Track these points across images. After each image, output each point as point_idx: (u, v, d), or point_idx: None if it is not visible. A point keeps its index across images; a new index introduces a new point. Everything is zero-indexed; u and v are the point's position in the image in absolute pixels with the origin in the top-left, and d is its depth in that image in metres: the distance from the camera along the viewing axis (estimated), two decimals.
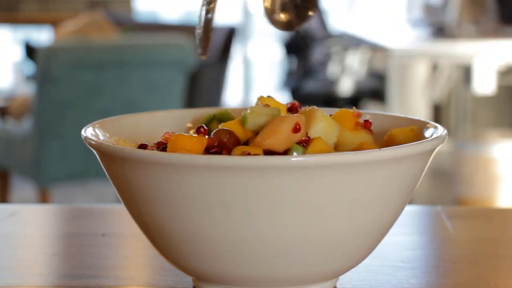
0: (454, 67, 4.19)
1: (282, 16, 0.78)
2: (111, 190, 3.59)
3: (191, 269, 0.69)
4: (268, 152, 0.68)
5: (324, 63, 4.93)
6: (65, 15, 5.39)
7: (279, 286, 0.68)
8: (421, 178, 0.69)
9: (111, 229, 0.95)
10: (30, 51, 3.87)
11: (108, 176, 0.70)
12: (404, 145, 0.66)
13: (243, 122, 0.70)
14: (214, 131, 0.70)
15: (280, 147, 0.68)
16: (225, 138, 0.69)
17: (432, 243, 0.92)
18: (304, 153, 0.67)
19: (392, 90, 3.62)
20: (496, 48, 3.51)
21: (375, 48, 4.46)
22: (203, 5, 0.77)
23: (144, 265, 0.85)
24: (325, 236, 0.65)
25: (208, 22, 0.77)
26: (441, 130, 0.72)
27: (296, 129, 0.68)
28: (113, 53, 3.10)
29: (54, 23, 5.03)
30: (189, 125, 0.82)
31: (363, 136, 0.73)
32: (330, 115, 0.73)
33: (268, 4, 0.78)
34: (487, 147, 3.57)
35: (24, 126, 3.28)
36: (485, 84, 3.59)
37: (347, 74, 4.79)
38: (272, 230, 0.64)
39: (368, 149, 0.70)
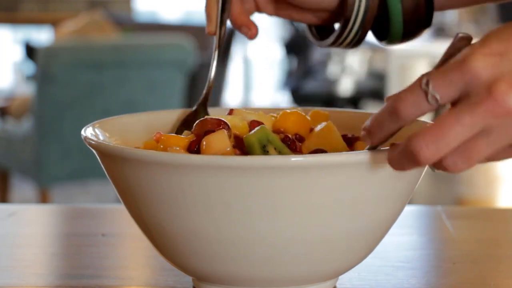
0: None
1: None
2: (111, 190, 3.58)
3: (191, 269, 0.69)
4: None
5: (324, 63, 4.93)
6: (65, 15, 5.39)
7: (279, 286, 0.68)
8: (421, 178, 0.69)
9: (111, 229, 0.96)
10: (30, 51, 3.87)
11: (108, 176, 0.70)
12: None
13: None
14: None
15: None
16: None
17: (432, 243, 0.92)
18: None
19: (392, 90, 3.62)
20: None
21: (375, 48, 4.46)
22: None
23: (144, 265, 0.85)
24: (325, 236, 0.65)
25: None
26: None
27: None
28: (113, 53, 3.10)
29: (54, 23, 5.03)
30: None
31: None
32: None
33: None
34: None
35: (24, 126, 3.28)
36: None
37: (347, 74, 4.80)
38: (272, 230, 0.64)
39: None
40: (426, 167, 0.68)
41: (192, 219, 0.65)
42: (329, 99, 4.73)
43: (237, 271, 0.67)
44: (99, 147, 0.68)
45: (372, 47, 4.46)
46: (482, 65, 0.54)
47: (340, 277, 0.73)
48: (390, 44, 0.86)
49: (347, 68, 4.79)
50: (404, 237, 0.90)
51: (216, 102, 3.83)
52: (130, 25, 4.37)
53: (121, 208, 0.73)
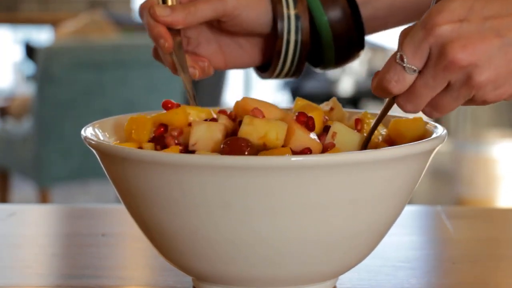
0: None
1: None
2: (111, 190, 3.59)
3: (191, 269, 0.69)
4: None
5: None
6: (65, 15, 5.39)
7: (279, 286, 0.68)
8: (421, 178, 0.69)
9: (111, 229, 0.96)
10: (30, 51, 3.87)
11: (108, 176, 0.70)
12: (404, 145, 0.66)
13: None
14: (229, 139, 0.69)
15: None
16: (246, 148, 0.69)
17: (432, 243, 0.92)
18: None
19: None
20: None
21: (375, 48, 4.46)
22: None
23: (144, 265, 0.85)
24: (325, 236, 0.65)
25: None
26: (441, 130, 0.72)
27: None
28: (113, 53, 3.09)
29: (54, 23, 5.03)
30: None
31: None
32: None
33: None
34: (487, 147, 3.57)
35: (24, 126, 3.28)
36: None
37: (347, 74, 4.79)
38: (272, 230, 0.64)
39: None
40: (426, 168, 0.68)
41: (192, 219, 0.65)
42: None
43: (237, 271, 0.67)
44: (99, 147, 0.68)
45: (372, 47, 4.46)
46: (444, 33, 0.64)
47: (340, 277, 0.73)
48: (326, 69, 0.88)
49: (347, 68, 4.79)
50: (404, 237, 0.90)
51: (216, 102, 3.83)
52: (130, 25, 4.36)
53: (121, 208, 0.73)
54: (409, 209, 0.98)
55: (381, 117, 0.73)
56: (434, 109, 0.68)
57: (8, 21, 6.00)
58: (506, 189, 3.53)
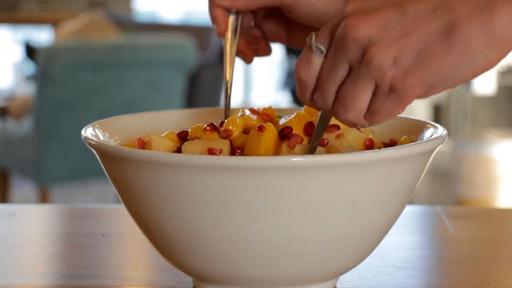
0: None
1: None
2: (111, 190, 3.59)
3: (191, 269, 0.69)
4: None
5: None
6: (65, 15, 5.39)
7: (279, 286, 0.68)
8: (421, 178, 0.69)
9: (111, 229, 0.96)
10: (30, 51, 3.87)
11: (108, 176, 0.70)
12: (404, 145, 0.67)
13: None
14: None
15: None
16: None
17: (432, 243, 0.92)
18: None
19: None
20: None
21: None
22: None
23: (144, 265, 0.85)
24: (325, 236, 0.65)
25: None
26: (441, 130, 0.72)
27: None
28: (113, 53, 3.10)
29: (54, 23, 5.03)
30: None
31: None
32: None
33: None
34: (487, 147, 3.57)
35: (24, 126, 3.28)
36: (485, 84, 3.59)
37: None
38: (272, 230, 0.64)
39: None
40: (426, 168, 0.68)
41: (192, 219, 0.65)
42: None
43: (237, 271, 0.67)
44: (99, 147, 0.68)
45: None
46: (347, 11, 0.61)
47: (341, 277, 0.73)
48: None
49: None
50: (404, 237, 0.90)
51: (216, 102, 3.83)
52: (130, 25, 4.37)
53: (121, 208, 0.73)
54: (409, 209, 0.98)
55: (319, 134, 0.68)
56: (341, 105, 0.62)
57: (8, 21, 6.01)
58: (506, 189, 3.54)
